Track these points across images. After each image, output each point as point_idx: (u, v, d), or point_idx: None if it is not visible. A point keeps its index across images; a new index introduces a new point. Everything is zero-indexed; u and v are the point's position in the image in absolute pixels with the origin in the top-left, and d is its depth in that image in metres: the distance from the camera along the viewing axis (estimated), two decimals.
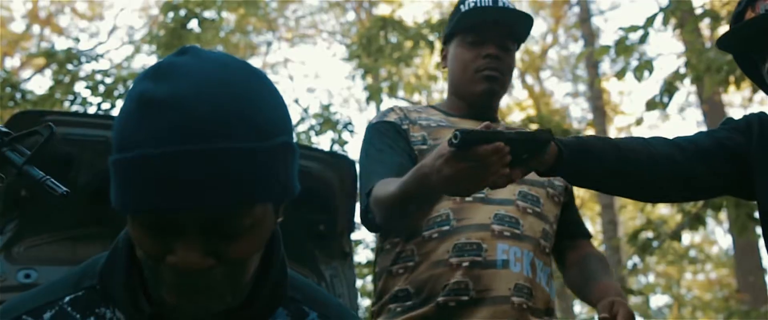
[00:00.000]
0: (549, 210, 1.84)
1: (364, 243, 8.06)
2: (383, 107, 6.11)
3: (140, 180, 0.80)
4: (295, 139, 0.91)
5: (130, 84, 6.95)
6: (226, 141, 0.80)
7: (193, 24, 8.13)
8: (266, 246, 0.94)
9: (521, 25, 1.91)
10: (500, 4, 1.87)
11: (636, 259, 6.81)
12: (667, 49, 23.90)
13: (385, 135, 1.81)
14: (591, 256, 1.89)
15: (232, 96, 0.82)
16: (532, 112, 15.50)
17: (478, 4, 1.86)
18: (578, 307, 16.53)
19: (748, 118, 1.64)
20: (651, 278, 17.85)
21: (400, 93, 10.31)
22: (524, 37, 1.96)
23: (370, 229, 1.78)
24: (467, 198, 1.72)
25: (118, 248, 0.98)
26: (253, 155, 0.81)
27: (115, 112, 6.73)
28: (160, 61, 0.87)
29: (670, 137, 1.57)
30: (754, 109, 1.75)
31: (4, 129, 1.01)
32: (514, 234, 1.74)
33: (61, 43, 18.14)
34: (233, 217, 0.84)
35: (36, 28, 15.70)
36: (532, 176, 1.82)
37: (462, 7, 1.89)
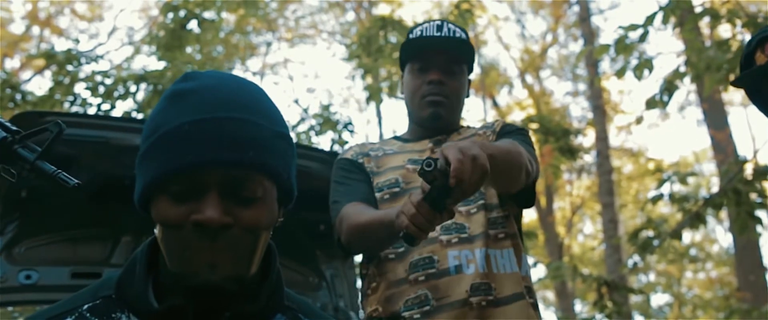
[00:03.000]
0: (492, 196, 1.90)
1: None
2: (383, 107, 6.09)
3: (169, 148, 0.99)
4: (295, 140, 0.99)
5: (130, 84, 6.92)
6: (241, 115, 1.01)
7: (193, 25, 8.12)
8: (264, 258, 1.09)
9: (463, 50, 2.01)
10: (444, 31, 1.99)
11: (636, 258, 6.80)
12: (666, 48, 23.91)
13: (344, 169, 2.01)
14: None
15: (244, 91, 1.06)
16: (532, 111, 15.52)
17: (424, 33, 2.00)
18: (579, 306, 16.53)
19: None
20: (652, 277, 17.88)
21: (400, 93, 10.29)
22: (469, 60, 2.05)
23: (342, 251, 1.92)
24: None
25: (135, 260, 1.10)
26: (262, 129, 1.03)
27: (116, 113, 6.76)
28: (186, 72, 1.10)
29: None
30: (754, 108, 1.84)
31: (14, 127, 1.06)
32: (462, 239, 1.83)
33: (60, 45, 18.17)
34: (247, 181, 1.01)
35: (36, 30, 15.74)
36: None
37: (410, 35, 2.02)
